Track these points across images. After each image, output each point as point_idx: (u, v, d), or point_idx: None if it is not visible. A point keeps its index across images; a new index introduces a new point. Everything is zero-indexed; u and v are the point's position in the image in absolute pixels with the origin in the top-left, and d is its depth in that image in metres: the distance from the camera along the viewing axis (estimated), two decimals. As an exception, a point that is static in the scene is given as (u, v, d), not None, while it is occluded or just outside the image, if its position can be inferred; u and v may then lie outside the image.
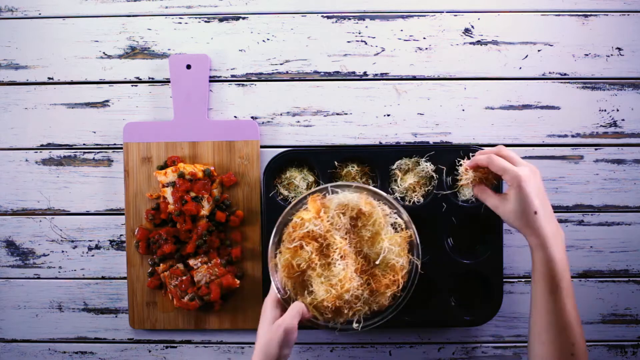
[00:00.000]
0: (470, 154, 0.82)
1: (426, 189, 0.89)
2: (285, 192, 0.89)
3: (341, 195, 0.79)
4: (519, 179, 0.71)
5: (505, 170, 0.73)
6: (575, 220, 0.92)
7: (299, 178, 0.89)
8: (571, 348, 0.69)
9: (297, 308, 0.74)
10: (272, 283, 0.78)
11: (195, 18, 0.91)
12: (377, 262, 0.77)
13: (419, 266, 0.79)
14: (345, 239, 0.78)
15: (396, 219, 0.80)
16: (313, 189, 0.81)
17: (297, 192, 0.89)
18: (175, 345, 0.93)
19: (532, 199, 0.71)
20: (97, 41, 0.91)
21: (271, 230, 0.89)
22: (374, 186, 0.85)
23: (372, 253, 0.78)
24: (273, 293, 0.77)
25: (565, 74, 0.91)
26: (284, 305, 0.76)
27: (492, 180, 0.79)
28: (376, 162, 0.88)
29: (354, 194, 0.79)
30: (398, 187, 0.89)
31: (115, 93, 0.92)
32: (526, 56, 0.91)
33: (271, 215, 0.88)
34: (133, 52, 0.92)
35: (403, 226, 0.80)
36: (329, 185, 0.80)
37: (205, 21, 0.91)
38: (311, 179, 0.90)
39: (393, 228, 0.80)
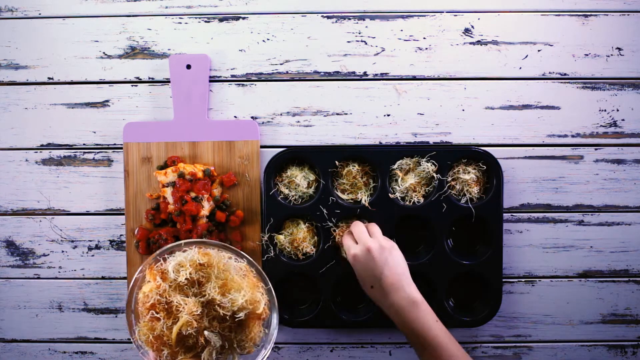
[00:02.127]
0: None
1: (427, 189, 0.89)
2: (286, 191, 0.89)
3: (176, 255, 0.79)
4: (350, 257, 0.81)
5: (345, 247, 0.83)
6: (575, 220, 0.92)
7: (300, 176, 0.89)
8: None
9: None
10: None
11: (195, 18, 0.91)
12: (235, 316, 0.76)
13: (274, 297, 0.81)
14: (193, 294, 0.76)
15: (236, 261, 0.80)
16: (146, 261, 0.80)
17: (298, 190, 0.89)
18: (175, 345, 0.93)
19: (362, 275, 0.80)
20: (97, 41, 0.91)
21: (271, 228, 0.89)
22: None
23: (226, 302, 0.76)
24: None
25: (565, 74, 0.91)
26: None
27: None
28: (377, 162, 0.88)
29: (189, 251, 0.79)
30: (399, 187, 0.89)
31: (115, 93, 0.92)
32: (526, 56, 0.91)
33: (271, 214, 0.88)
34: (133, 52, 0.92)
35: (246, 268, 0.80)
36: (157, 252, 0.80)
37: (205, 21, 0.91)
38: (312, 177, 0.90)
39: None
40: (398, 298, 0.76)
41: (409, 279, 0.79)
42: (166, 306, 0.75)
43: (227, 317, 0.76)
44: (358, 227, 0.84)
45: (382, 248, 0.79)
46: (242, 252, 0.82)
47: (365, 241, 0.80)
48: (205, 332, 0.74)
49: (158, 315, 0.75)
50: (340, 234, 0.87)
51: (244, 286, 0.77)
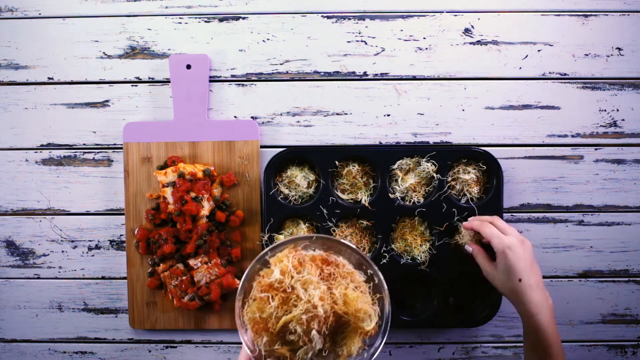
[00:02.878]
0: (468, 218, 0.87)
1: (427, 189, 0.89)
2: (286, 191, 0.89)
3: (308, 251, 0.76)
4: (504, 245, 0.77)
5: (493, 236, 0.79)
6: (575, 220, 0.92)
7: (300, 176, 0.89)
8: None
9: None
10: (242, 343, 0.74)
11: (195, 18, 0.91)
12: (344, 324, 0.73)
13: (389, 318, 0.75)
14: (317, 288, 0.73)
15: (362, 271, 0.76)
16: (281, 241, 0.77)
17: (298, 190, 0.89)
18: (175, 345, 0.93)
19: (516, 266, 0.75)
20: (97, 41, 0.91)
21: (271, 228, 0.89)
22: (365, 201, 0.86)
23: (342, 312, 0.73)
24: (244, 354, 0.74)
25: (565, 74, 0.91)
26: None
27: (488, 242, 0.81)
28: (377, 162, 0.88)
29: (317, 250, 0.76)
30: (399, 187, 0.89)
31: (115, 93, 0.92)
32: (526, 56, 0.91)
33: (271, 213, 0.88)
34: (133, 52, 0.92)
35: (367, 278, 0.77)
36: (296, 237, 0.77)
37: (205, 21, 0.91)
38: (312, 177, 0.90)
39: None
40: (542, 297, 0.75)
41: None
42: (283, 294, 0.72)
43: (335, 323, 0.73)
44: (501, 221, 0.82)
45: (528, 244, 0.78)
46: (371, 262, 0.76)
47: (517, 234, 0.79)
48: (313, 332, 0.71)
49: (273, 299, 0.72)
50: (466, 228, 0.85)
51: (361, 297, 0.73)
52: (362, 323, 0.72)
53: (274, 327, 0.71)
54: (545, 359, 0.74)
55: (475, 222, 0.83)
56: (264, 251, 0.76)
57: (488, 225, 0.81)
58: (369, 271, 0.76)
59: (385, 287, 0.75)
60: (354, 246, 0.77)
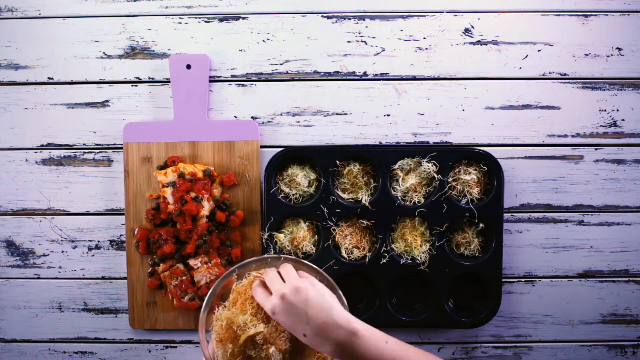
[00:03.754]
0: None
1: (427, 189, 0.89)
2: (287, 189, 0.89)
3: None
4: (271, 312, 0.72)
5: (262, 303, 0.73)
6: (575, 220, 0.92)
7: (301, 175, 0.89)
8: None
9: None
10: (203, 355, 0.76)
11: (195, 18, 0.91)
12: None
13: None
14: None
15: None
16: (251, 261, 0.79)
17: (299, 189, 0.89)
18: (175, 345, 0.93)
19: (290, 327, 0.71)
20: (97, 41, 0.91)
21: (271, 227, 0.89)
22: (366, 195, 0.86)
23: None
24: None
25: (565, 74, 0.91)
26: None
27: None
28: (378, 162, 0.88)
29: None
30: (399, 187, 0.89)
31: (115, 93, 0.92)
32: (526, 56, 0.91)
33: (272, 212, 0.88)
34: (133, 52, 0.92)
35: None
36: (265, 256, 0.80)
37: (205, 21, 0.91)
38: (313, 176, 0.90)
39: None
40: (336, 336, 0.69)
41: (338, 309, 0.71)
42: (257, 307, 0.75)
43: (295, 343, 0.75)
44: (269, 275, 0.76)
45: (297, 290, 0.71)
46: (336, 287, 0.78)
47: (278, 289, 0.72)
48: (272, 349, 0.73)
49: (248, 309, 0.74)
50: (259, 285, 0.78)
51: None
52: (320, 347, 0.72)
53: (239, 339, 0.73)
54: None
55: (255, 286, 0.76)
56: (232, 269, 0.79)
57: (256, 291, 0.75)
58: (338, 292, 0.78)
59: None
60: (321, 271, 0.79)
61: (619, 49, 0.91)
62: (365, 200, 0.88)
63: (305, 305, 0.70)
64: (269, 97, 0.91)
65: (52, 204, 0.93)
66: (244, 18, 0.91)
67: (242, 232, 0.90)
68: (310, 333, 0.70)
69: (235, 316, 0.75)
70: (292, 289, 0.71)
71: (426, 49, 0.91)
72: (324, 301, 0.71)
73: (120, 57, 0.92)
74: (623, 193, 0.92)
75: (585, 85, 0.91)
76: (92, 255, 0.93)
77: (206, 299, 0.78)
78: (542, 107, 0.91)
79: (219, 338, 0.75)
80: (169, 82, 0.91)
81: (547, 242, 0.92)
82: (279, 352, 0.74)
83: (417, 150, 0.89)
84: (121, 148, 0.92)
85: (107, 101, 0.92)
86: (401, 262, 0.88)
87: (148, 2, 0.91)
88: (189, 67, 0.90)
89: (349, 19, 0.91)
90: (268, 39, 0.91)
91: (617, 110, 0.91)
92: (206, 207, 0.87)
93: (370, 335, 0.70)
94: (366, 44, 0.91)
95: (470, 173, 0.88)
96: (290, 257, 0.81)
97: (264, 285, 0.76)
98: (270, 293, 0.73)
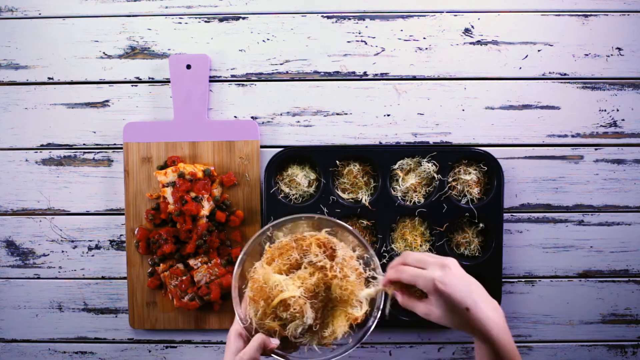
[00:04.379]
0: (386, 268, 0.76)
1: (427, 189, 0.89)
2: (287, 190, 0.89)
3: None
4: (432, 283, 0.66)
5: (416, 278, 0.67)
6: (575, 220, 0.92)
7: (301, 175, 0.89)
8: None
9: (259, 340, 0.70)
10: (236, 313, 0.74)
11: (195, 18, 0.91)
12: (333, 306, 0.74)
13: (384, 307, 0.74)
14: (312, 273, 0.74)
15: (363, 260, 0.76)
16: (298, 215, 0.77)
17: (299, 189, 0.89)
18: (175, 345, 0.93)
19: (455, 297, 0.65)
20: (97, 41, 0.91)
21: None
22: (367, 196, 0.85)
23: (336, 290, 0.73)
24: (236, 324, 0.74)
25: (565, 74, 0.91)
26: (247, 336, 0.73)
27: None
28: (378, 162, 0.88)
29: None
30: (399, 187, 0.89)
31: (115, 93, 0.92)
32: (526, 56, 0.91)
33: (272, 212, 0.88)
34: (133, 52, 0.92)
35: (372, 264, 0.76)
36: (298, 215, 0.77)
37: (205, 21, 0.91)
38: (313, 176, 0.90)
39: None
40: (495, 308, 0.66)
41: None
42: (288, 262, 0.73)
43: (326, 302, 0.73)
44: (412, 255, 0.71)
45: (449, 261, 0.68)
46: (369, 247, 0.76)
47: (439, 260, 0.68)
48: (307, 306, 0.71)
49: (282, 269, 0.73)
50: (390, 279, 0.72)
51: (356, 284, 0.73)
52: (351, 309, 0.72)
53: (272, 300, 0.72)
54: None
55: (390, 272, 0.71)
56: (266, 226, 0.77)
57: (404, 269, 0.69)
58: (365, 255, 0.76)
59: (382, 275, 0.73)
60: (354, 230, 0.77)
61: (619, 49, 0.91)
62: (365, 200, 0.88)
63: (464, 277, 0.67)
64: (269, 97, 0.91)
65: (52, 204, 0.93)
66: (244, 18, 0.91)
67: (242, 232, 0.90)
68: (473, 305, 0.65)
69: (270, 275, 0.73)
70: (445, 260, 0.68)
71: (426, 49, 0.91)
72: (469, 276, 0.68)
73: (120, 57, 0.92)
74: (623, 193, 0.92)
75: (585, 85, 0.91)
76: (92, 255, 0.93)
77: (240, 256, 0.75)
78: (542, 107, 0.91)
79: (252, 296, 0.73)
80: (169, 82, 0.91)
81: (547, 242, 0.92)
82: (311, 309, 0.72)
83: (417, 150, 0.89)
84: (121, 148, 0.92)
85: (107, 101, 0.92)
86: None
87: (148, 2, 0.91)
88: (189, 67, 0.90)
89: (349, 19, 0.91)
90: (268, 39, 0.91)
91: (617, 110, 0.91)
92: (206, 207, 0.87)
93: (506, 324, 0.67)
94: (366, 44, 0.91)
95: (470, 173, 0.88)
96: (323, 216, 0.78)
97: (403, 266, 0.71)
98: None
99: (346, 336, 0.74)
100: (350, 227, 0.77)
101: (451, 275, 0.66)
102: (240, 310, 0.74)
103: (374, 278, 0.75)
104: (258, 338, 0.71)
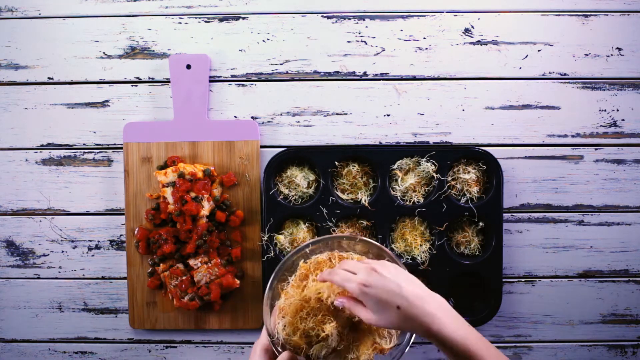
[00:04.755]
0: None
1: (427, 189, 0.89)
2: (286, 191, 0.89)
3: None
4: (357, 287, 0.67)
5: (345, 281, 0.69)
6: (575, 220, 0.92)
7: (300, 176, 0.89)
8: None
9: (286, 357, 0.71)
10: (265, 326, 0.75)
11: (195, 18, 0.91)
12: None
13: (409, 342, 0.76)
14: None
15: None
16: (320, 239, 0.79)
17: (298, 190, 0.89)
18: (175, 345, 0.93)
19: (382, 297, 0.66)
20: (97, 41, 0.91)
21: (271, 228, 0.89)
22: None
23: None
24: (263, 338, 0.74)
25: (565, 74, 0.91)
26: (273, 352, 0.73)
27: None
28: (377, 162, 0.88)
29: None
30: (399, 187, 0.89)
31: (115, 93, 0.92)
32: (526, 56, 0.91)
33: (271, 213, 0.88)
34: (133, 52, 0.92)
35: None
36: (337, 235, 0.79)
37: (205, 21, 0.91)
38: (312, 177, 0.90)
39: None
40: (430, 309, 0.65)
41: (420, 282, 0.69)
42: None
43: (356, 330, 0.74)
44: (346, 262, 0.73)
45: (382, 264, 0.70)
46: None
47: (362, 266, 0.70)
48: (331, 325, 0.72)
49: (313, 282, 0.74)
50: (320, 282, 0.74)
51: None
52: (380, 339, 0.73)
53: (309, 305, 0.72)
54: None
55: (325, 273, 0.73)
56: (305, 243, 0.78)
57: (337, 272, 0.71)
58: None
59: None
60: (394, 255, 0.77)
61: (619, 49, 0.90)
62: (365, 201, 0.88)
63: (395, 277, 0.67)
64: (269, 97, 0.91)
65: (52, 204, 0.93)
66: (244, 18, 0.91)
67: (242, 232, 0.90)
68: (406, 304, 0.65)
69: (300, 292, 0.74)
70: (378, 263, 0.70)
71: (426, 49, 0.91)
72: (410, 276, 0.69)
73: (120, 57, 0.92)
74: (623, 193, 0.92)
75: (585, 85, 0.91)
76: (92, 255, 0.93)
77: (274, 272, 0.76)
78: (542, 107, 0.91)
79: (282, 307, 0.74)
80: (169, 82, 0.91)
81: (547, 242, 0.92)
82: (337, 331, 0.72)
83: (415, 150, 0.89)
84: (121, 148, 0.92)
85: (107, 101, 0.92)
86: (401, 262, 0.88)
87: (148, 2, 0.91)
88: (189, 67, 0.90)
89: (349, 19, 0.91)
90: (268, 39, 0.91)
91: (617, 110, 0.91)
92: (206, 207, 0.87)
93: (456, 316, 0.66)
94: (366, 44, 0.91)
95: (469, 172, 0.88)
96: (364, 238, 0.78)
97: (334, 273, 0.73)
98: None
99: None
100: (390, 252, 0.77)
101: (377, 277, 0.67)
102: (269, 323, 0.75)
103: None
104: (285, 355, 0.71)
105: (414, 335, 0.74)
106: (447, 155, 0.88)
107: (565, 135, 0.91)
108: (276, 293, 0.77)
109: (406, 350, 0.75)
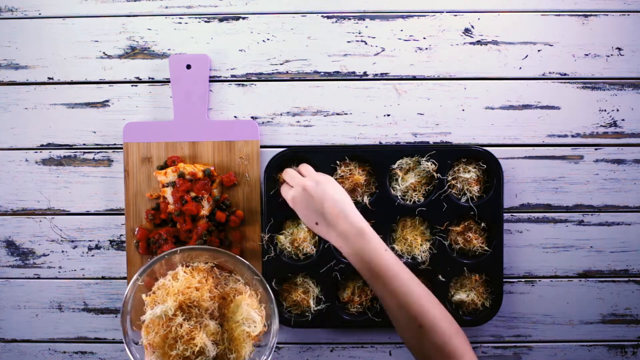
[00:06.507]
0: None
1: (427, 188, 0.90)
2: (286, 192, 0.89)
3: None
4: (291, 202, 0.81)
5: (290, 180, 0.83)
6: (575, 220, 0.92)
7: (299, 178, 0.89)
8: (415, 320, 0.72)
9: None
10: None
11: (195, 18, 0.91)
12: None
13: (277, 318, 0.80)
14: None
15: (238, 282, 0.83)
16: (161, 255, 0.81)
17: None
18: (175, 345, 0.93)
19: (305, 214, 0.80)
20: (97, 41, 0.91)
21: (271, 228, 0.89)
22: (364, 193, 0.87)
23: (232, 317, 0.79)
24: None
25: (565, 74, 0.91)
26: None
27: None
28: (377, 162, 0.88)
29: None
30: (399, 186, 0.89)
31: (115, 93, 0.92)
32: (526, 56, 0.91)
33: (272, 214, 0.88)
34: (133, 52, 0.92)
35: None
36: (178, 249, 0.81)
37: (205, 21, 0.91)
38: (311, 179, 0.90)
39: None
40: (343, 228, 0.76)
41: (352, 208, 0.78)
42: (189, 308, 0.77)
43: (223, 321, 0.79)
44: (289, 172, 0.84)
45: (317, 183, 0.79)
46: (251, 267, 0.82)
47: (299, 181, 0.80)
48: (203, 336, 0.75)
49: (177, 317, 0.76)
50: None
51: (244, 305, 0.79)
52: (248, 328, 0.77)
53: (171, 327, 0.75)
54: (374, 279, 0.74)
55: (284, 172, 0.85)
56: (135, 277, 0.80)
57: (289, 172, 0.84)
58: (255, 278, 0.82)
59: (272, 295, 0.80)
60: (238, 257, 0.82)
61: (619, 49, 0.91)
62: (365, 201, 0.88)
63: (322, 196, 0.78)
64: (269, 97, 0.91)
65: (52, 204, 0.93)
66: (244, 18, 0.91)
67: (242, 232, 0.90)
68: (322, 221, 0.78)
69: (159, 322, 0.76)
70: (313, 182, 0.79)
71: (426, 49, 0.91)
72: (340, 197, 0.79)
73: (120, 57, 0.92)
74: (623, 193, 0.92)
75: (585, 85, 0.91)
76: (92, 255, 0.93)
77: (121, 309, 0.79)
78: (542, 107, 0.91)
79: (150, 347, 0.77)
80: (169, 82, 0.91)
81: (547, 242, 0.92)
82: (209, 340, 0.76)
83: (416, 149, 0.89)
84: (121, 148, 0.92)
85: (107, 101, 0.92)
86: (402, 262, 0.88)
87: (148, 2, 0.91)
88: (189, 67, 0.90)
89: (349, 19, 0.91)
90: (268, 39, 0.91)
91: (617, 110, 0.91)
92: (206, 207, 0.87)
93: (373, 238, 0.76)
94: (366, 44, 0.91)
95: (469, 171, 0.89)
96: (186, 247, 0.82)
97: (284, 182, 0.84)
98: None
99: (252, 355, 0.79)
100: (233, 254, 0.82)
101: (304, 195, 0.79)
102: (138, 356, 0.78)
103: (266, 301, 0.80)
104: None
105: (277, 318, 0.80)
106: (448, 155, 0.88)
107: (565, 135, 0.91)
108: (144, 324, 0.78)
109: (274, 330, 0.79)
